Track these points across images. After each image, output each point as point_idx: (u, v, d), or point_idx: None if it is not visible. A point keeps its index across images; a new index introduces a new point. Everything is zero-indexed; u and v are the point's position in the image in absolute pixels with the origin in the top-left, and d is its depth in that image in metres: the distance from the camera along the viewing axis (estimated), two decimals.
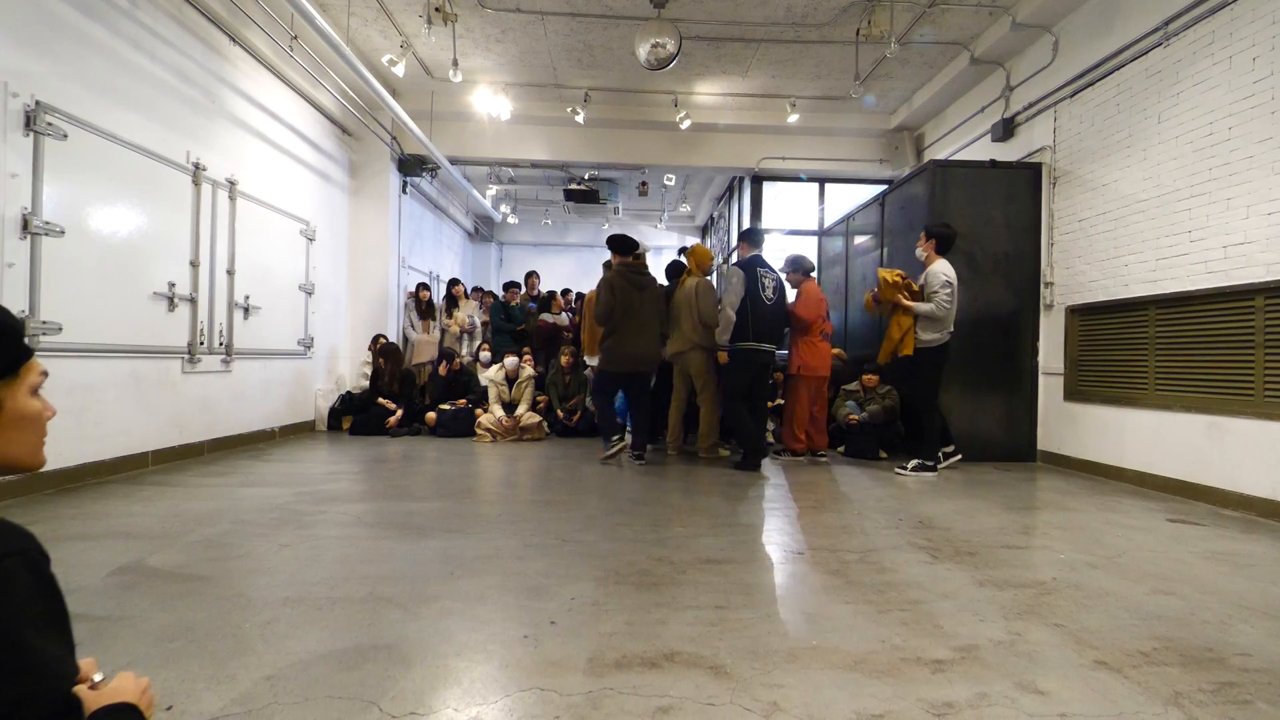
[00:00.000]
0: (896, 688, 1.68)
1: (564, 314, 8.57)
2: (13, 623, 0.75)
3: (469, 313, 8.54)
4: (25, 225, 3.51)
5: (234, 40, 5.32)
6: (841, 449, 6.07)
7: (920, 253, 5.17)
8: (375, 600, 2.20)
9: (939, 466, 5.08)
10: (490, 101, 7.63)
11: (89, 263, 3.95)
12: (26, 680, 0.75)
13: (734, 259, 5.79)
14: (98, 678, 0.91)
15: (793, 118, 7.66)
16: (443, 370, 7.27)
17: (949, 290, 4.84)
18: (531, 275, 9.23)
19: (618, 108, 8.19)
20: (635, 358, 5.27)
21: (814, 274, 5.91)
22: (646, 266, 5.46)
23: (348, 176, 7.85)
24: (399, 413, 6.86)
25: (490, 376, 6.88)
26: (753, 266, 5.23)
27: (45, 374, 0.93)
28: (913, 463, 5.00)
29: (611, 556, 2.75)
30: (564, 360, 7.08)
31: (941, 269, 4.92)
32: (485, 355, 7.63)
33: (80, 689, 0.86)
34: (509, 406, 6.77)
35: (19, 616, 0.76)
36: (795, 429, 5.69)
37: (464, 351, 8.31)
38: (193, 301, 4.89)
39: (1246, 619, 2.20)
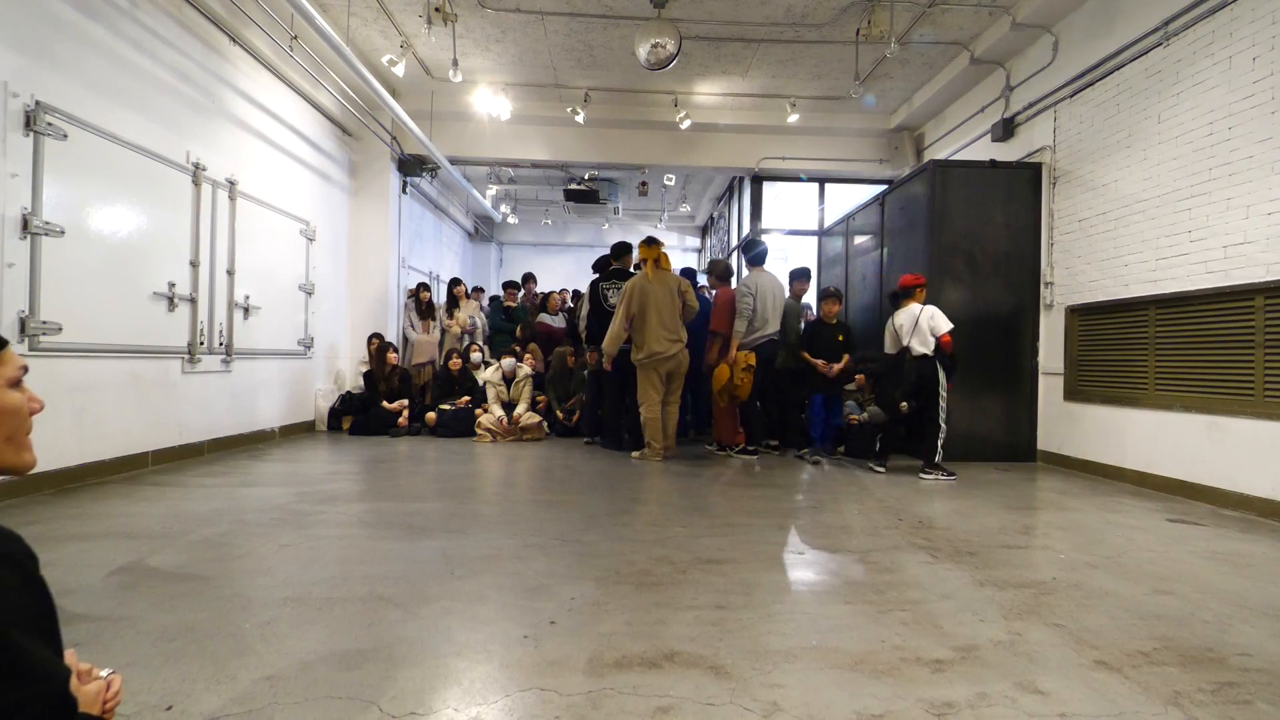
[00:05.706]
0: (896, 688, 1.68)
1: (560, 314, 8.51)
2: (1, 626, 0.73)
3: (469, 313, 8.52)
4: (25, 225, 3.51)
5: (234, 40, 5.32)
6: (842, 449, 6.08)
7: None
8: (375, 600, 2.20)
9: (759, 451, 5.86)
10: (490, 101, 7.62)
11: (89, 263, 3.95)
12: (19, 684, 0.73)
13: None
14: (104, 674, 0.89)
15: (793, 118, 7.65)
16: (454, 364, 7.17)
17: (749, 298, 5.55)
18: (529, 279, 9.23)
19: (618, 108, 8.19)
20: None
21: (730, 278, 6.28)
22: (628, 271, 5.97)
23: (348, 176, 7.84)
24: (406, 411, 6.87)
25: (487, 377, 6.86)
26: (595, 284, 6.05)
27: (25, 368, 0.89)
28: (739, 447, 5.77)
29: (611, 556, 2.75)
30: (569, 361, 7.06)
31: (739, 284, 5.68)
32: (475, 356, 7.44)
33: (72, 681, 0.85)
34: (508, 406, 6.77)
35: (7, 619, 0.74)
36: (733, 423, 5.86)
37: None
38: (193, 301, 4.88)
39: (1246, 619, 2.20)
